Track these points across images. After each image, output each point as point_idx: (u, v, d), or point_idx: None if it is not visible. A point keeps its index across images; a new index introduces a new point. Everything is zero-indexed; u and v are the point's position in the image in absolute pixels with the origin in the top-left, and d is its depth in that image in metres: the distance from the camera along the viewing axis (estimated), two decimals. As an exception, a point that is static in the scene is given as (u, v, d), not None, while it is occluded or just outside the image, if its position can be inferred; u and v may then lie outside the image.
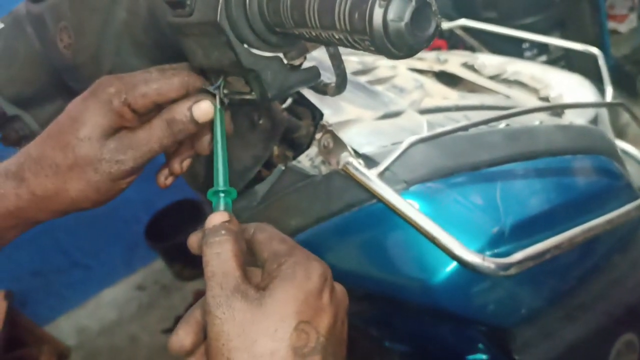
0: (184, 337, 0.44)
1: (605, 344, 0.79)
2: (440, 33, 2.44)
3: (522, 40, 2.19)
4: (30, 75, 0.73)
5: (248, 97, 0.53)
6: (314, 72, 0.54)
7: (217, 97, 0.52)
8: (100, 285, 2.62)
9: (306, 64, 0.53)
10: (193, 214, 2.49)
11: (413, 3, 0.37)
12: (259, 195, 0.74)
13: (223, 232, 0.44)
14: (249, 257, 0.47)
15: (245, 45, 0.48)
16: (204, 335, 0.44)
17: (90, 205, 0.52)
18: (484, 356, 0.77)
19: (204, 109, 0.50)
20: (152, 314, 2.49)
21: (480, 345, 0.77)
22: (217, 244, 0.43)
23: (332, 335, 0.42)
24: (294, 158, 0.77)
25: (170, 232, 2.43)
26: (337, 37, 0.42)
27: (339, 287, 0.46)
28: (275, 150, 0.79)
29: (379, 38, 0.38)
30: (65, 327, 2.51)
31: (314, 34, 0.44)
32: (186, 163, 0.57)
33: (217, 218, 0.46)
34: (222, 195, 0.49)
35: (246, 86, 0.52)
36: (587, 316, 0.76)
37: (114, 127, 0.49)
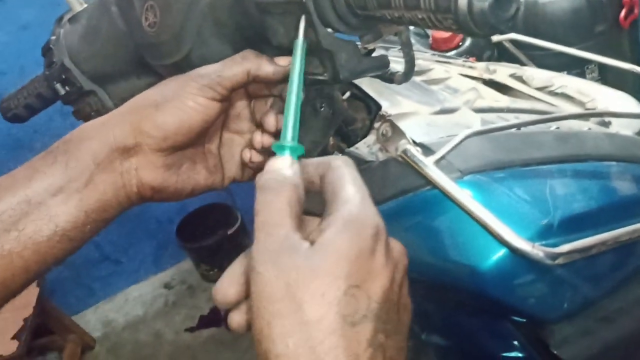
0: (227, 287, 0.41)
1: (641, 347, 0.81)
2: (480, 59, 2.48)
3: (561, 68, 2.21)
4: (110, 53, 0.78)
5: (320, 77, 0.56)
6: (384, 60, 0.57)
7: (300, 32, 0.51)
8: (129, 281, 2.67)
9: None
10: (224, 217, 2.54)
11: None
12: (316, 180, 0.78)
13: (280, 179, 0.41)
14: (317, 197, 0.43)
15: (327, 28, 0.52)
16: (248, 290, 0.40)
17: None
18: (520, 354, 0.79)
19: (287, 68, 0.54)
20: (177, 312, 2.53)
21: (516, 342, 0.79)
22: (270, 192, 0.40)
23: (387, 300, 0.38)
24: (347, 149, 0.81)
25: (200, 233, 2.48)
26: (420, 16, 0.45)
27: (396, 245, 0.42)
28: (331, 140, 0.83)
29: (463, 17, 0.41)
30: (91, 319, 2.56)
31: (396, 14, 0.47)
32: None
33: (278, 164, 0.43)
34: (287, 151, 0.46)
35: (319, 67, 0.56)
36: (624, 320, 0.78)
37: (208, 98, 0.53)
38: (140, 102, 0.53)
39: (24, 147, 2.18)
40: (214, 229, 2.50)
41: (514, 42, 1.23)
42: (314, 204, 0.44)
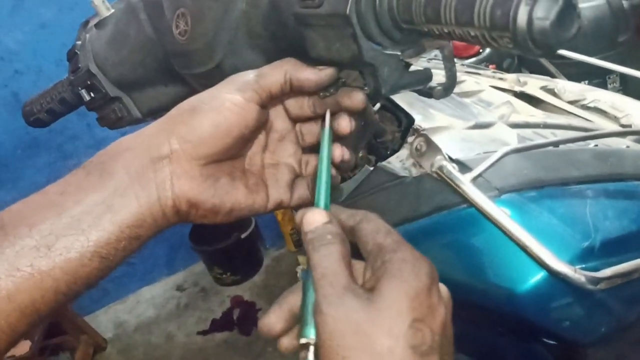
0: (275, 321, 0.45)
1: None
2: (500, 67, 2.45)
3: (582, 77, 2.19)
4: (137, 60, 0.76)
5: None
6: (427, 74, 0.55)
7: (327, 121, 0.54)
8: (141, 283, 2.67)
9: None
10: (237, 220, 2.52)
11: (560, 3, 0.38)
12: (344, 193, 0.76)
13: (329, 237, 0.44)
14: (353, 248, 0.46)
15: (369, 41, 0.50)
16: (294, 323, 0.45)
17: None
18: (550, 376, 0.77)
19: (327, 72, 0.52)
20: (189, 314, 2.52)
21: (546, 365, 0.77)
22: (324, 247, 0.43)
23: (445, 335, 0.42)
24: (376, 162, 0.79)
25: (213, 237, 2.47)
26: (472, 34, 0.42)
27: (443, 288, 0.45)
28: (360, 152, 0.81)
29: (522, 36, 0.38)
30: (103, 320, 2.56)
31: (446, 30, 0.44)
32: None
33: (317, 217, 0.46)
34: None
35: (357, 80, 0.54)
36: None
37: (245, 99, 0.50)
38: (176, 110, 0.51)
39: (40, 146, 2.18)
40: (227, 232, 2.49)
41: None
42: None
